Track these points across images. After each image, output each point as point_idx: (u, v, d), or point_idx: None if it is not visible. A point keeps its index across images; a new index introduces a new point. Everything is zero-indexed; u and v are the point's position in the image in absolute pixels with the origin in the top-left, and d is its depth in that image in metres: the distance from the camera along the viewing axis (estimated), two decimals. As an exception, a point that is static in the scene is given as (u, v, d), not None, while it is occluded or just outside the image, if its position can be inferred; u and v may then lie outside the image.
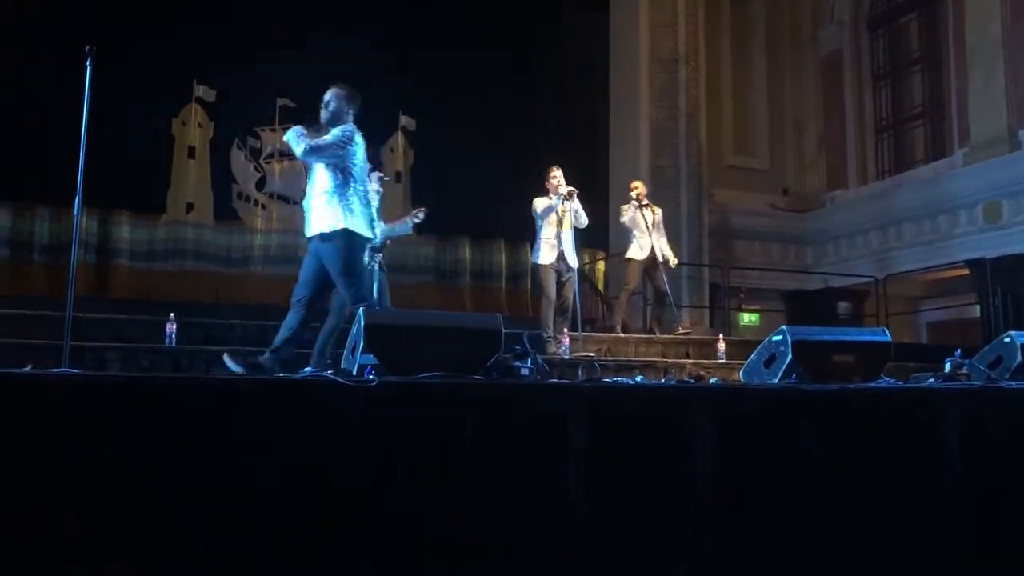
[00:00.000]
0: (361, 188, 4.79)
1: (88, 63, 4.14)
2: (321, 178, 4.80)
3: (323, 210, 4.75)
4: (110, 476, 2.25)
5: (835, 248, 12.73)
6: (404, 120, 11.40)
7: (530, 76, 12.02)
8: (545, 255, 7.28)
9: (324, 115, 4.92)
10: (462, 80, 11.07)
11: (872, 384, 3.56)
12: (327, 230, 4.72)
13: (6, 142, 8.76)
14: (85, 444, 2.25)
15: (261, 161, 10.89)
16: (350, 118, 4.94)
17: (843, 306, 12.03)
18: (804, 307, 12.21)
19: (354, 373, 2.86)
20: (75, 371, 2.69)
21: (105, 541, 2.23)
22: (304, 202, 4.95)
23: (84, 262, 9.10)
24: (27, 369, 3.22)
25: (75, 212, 3.95)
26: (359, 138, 4.84)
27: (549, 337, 7.22)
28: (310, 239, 4.86)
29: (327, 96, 4.97)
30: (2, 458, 2.16)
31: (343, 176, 4.75)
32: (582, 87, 12.40)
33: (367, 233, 4.83)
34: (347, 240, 4.70)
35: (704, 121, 11.70)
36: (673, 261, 8.53)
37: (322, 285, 4.86)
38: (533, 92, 12.04)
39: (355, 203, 4.73)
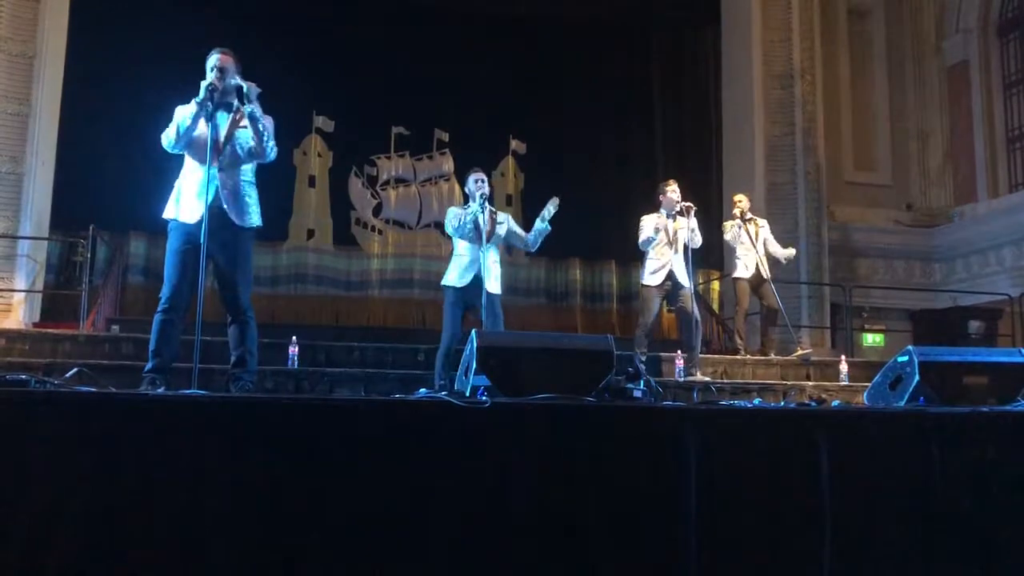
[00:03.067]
0: None
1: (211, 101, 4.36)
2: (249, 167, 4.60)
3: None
4: (242, 491, 2.34)
5: (965, 265, 12.12)
6: (515, 144, 11.52)
7: (640, 95, 11.99)
8: (652, 275, 7.08)
9: (233, 79, 4.43)
10: (571, 101, 11.13)
11: (1008, 408, 3.37)
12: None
13: (142, 179, 9.29)
14: (209, 460, 2.34)
15: (377, 188, 11.19)
16: None
17: (975, 325, 11.42)
18: (932, 327, 11.66)
19: (467, 394, 2.89)
20: (203, 392, 2.81)
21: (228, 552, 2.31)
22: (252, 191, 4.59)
23: (212, 288, 9.52)
24: (160, 391, 3.39)
25: (202, 240, 4.14)
26: None
27: (641, 360, 6.85)
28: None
29: (230, 65, 4.44)
30: (132, 476, 2.28)
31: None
32: (694, 105, 12.30)
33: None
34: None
35: (822, 137, 11.39)
36: (786, 253, 8.30)
37: None
38: (644, 111, 12.01)
39: None
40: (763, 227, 8.30)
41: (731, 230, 8.22)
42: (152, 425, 2.33)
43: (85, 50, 9.35)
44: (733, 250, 8.27)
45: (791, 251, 8.43)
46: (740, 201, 8.38)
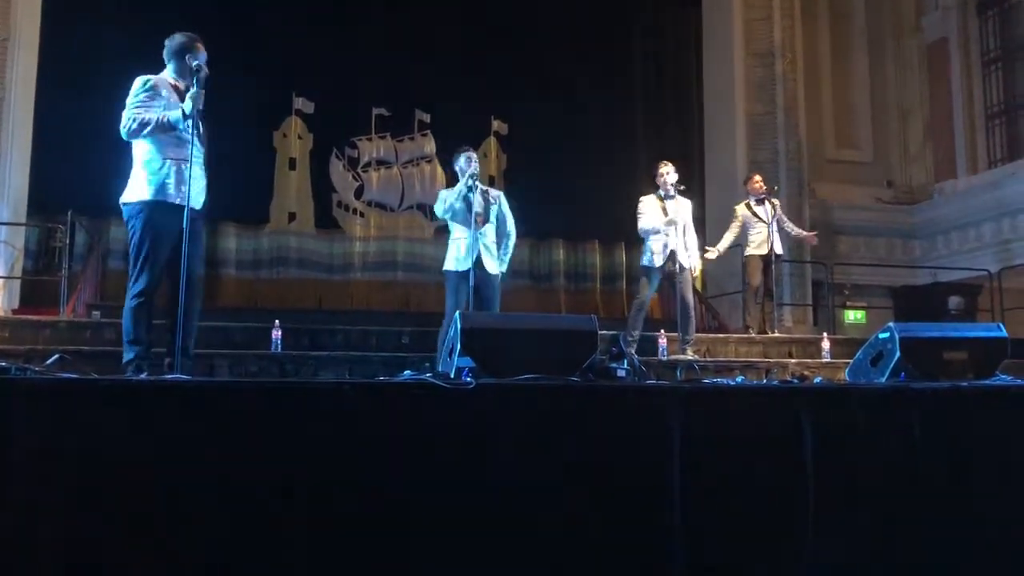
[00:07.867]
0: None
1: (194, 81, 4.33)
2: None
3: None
4: (224, 474, 2.34)
5: (945, 241, 12.21)
6: (496, 124, 11.48)
7: (622, 75, 11.97)
8: (654, 257, 6.96)
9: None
10: (553, 81, 11.08)
11: (987, 382, 3.41)
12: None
13: (120, 163, 9.19)
14: (195, 446, 2.34)
15: (359, 170, 11.13)
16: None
17: (954, 301, 11.52)
18: (913, 303, 11.76)
19: (452, 376, 2.89)
20: (187, 377, 2.80)
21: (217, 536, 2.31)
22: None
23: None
24: (143, 376, 3.38)
25: (183, 225, 4.11)
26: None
27: (632, 341, 6.80)
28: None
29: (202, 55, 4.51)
30: (118, 458, 2.27)
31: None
32: (675, 84, 12.30)
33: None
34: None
35: (803, 115, 11.43)
36: (798, 234, 8.54)
37: None
38: (625, 91, 11.99)
39: None
40: (777, 205, 8.36)
41: (740, 213, 8.26)
42: (136, 411, 2.32)
43: (60, 31, 9.23)
44: (747, 227, 8.24)
45: (803, 233, 8.60)
46: (757, 181, 8.46)
